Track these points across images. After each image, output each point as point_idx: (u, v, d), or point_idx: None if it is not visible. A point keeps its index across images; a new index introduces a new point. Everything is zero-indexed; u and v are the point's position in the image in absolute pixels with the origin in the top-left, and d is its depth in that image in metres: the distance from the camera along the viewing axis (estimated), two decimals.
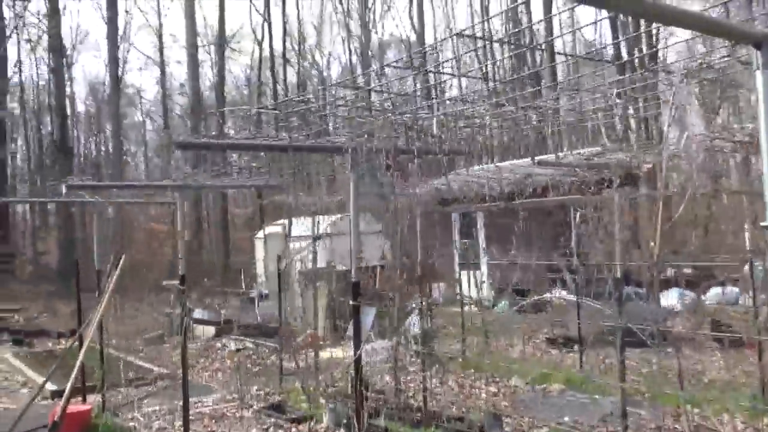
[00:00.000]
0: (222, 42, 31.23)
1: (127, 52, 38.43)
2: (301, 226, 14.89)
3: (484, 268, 15.68)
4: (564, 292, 13.10)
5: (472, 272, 16.17)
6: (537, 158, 5.98)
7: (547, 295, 13.78)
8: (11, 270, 25.02)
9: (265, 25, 32.18)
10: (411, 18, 34.88)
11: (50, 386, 7.64)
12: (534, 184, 8.03)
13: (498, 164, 7.78)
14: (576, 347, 9.35)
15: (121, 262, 6.05)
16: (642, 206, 10.36)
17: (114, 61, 28.87)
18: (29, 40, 31.67)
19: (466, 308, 10.84)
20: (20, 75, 33.62)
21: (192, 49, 28.89)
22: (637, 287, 11.11)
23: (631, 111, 6.96)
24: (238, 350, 10.91)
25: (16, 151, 36.64)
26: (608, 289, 9.62)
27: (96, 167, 34.04)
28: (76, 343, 6.83)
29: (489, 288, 15.42)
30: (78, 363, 5.86)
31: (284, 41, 33.77)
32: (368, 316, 10.06)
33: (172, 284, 16.33)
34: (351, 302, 5.01)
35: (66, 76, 31.85)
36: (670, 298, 11.01)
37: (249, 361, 10.20)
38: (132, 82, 64.31)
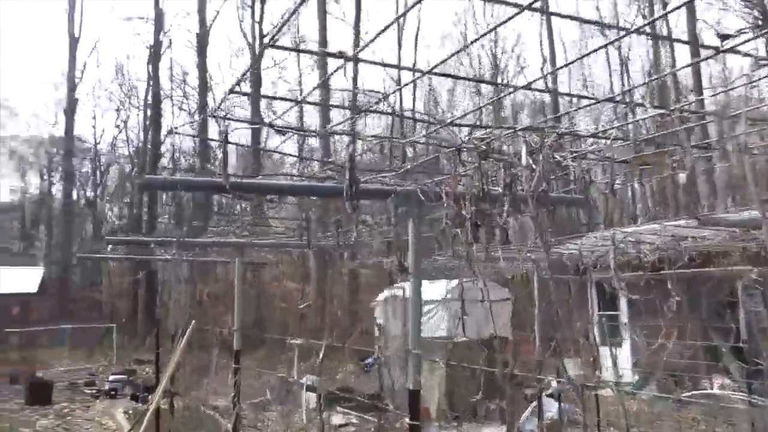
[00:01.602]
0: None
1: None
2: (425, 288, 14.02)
3: (626, 345, 13.84)
4: (728, 381, 11.02)
5: (611, 350, 14.31)
6: (701, 216, 4.72)
7: (706, 384, 11.69)
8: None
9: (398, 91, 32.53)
10: (545, 79, 33.76)
11: None
12: (692, 249, 6.61)
13: (646, 225, 6.52)
14: None
15: (189, 330, 5.53)
16: None
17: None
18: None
19: (604, 392, 9.31)
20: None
21: None
22: None
23: None
24: (340, 426, 10.03)
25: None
26: None
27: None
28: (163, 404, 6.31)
29: (632, 369, 13.56)
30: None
31: (414, 102, 33.95)
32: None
33: (296, 343, 16.03)
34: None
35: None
36: None
37: None
38: None
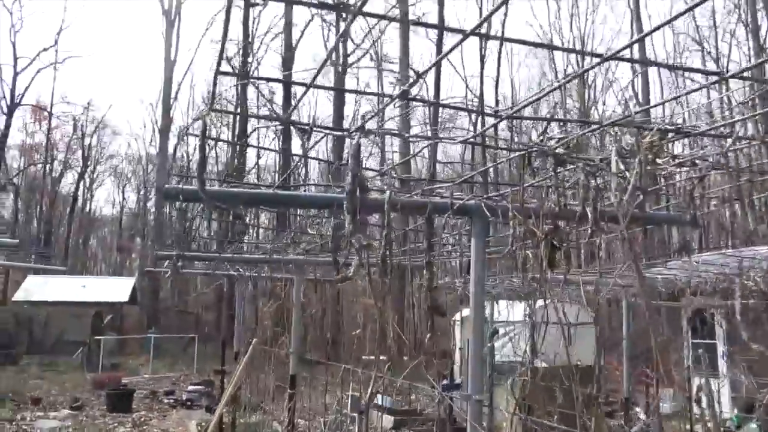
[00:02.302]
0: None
1: None
2: (506, 309, 13.51)
3: (724, 377, 12.71)
4: None
5: (708, 381, 13.22)
6: None
7: None
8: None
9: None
10: (635, 92, 32.34)
11: None
12: None
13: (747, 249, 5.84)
14: None
15: (251, 347, 5.38)
16: None
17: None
18: None
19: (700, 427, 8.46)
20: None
21: None
22: None
23: None
24: None
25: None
26: None
27: None
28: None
29: (732, 404, 12.45)
30: None
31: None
32: None
33: (370, 360, 15.80)
34: None
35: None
36: None
37: None
38: None
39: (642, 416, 11.76)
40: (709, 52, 30.96)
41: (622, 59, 2.82)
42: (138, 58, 74.57)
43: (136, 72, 79.66)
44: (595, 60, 2.41)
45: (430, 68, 2.43)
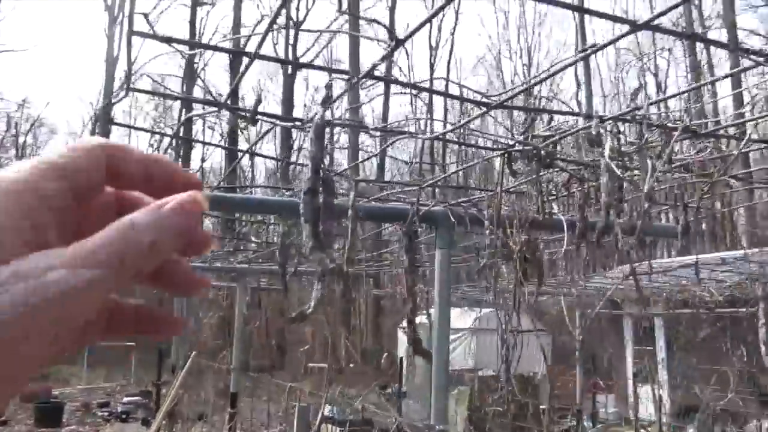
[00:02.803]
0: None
1: None
2: (459, 317, 13.47)
3: (664, 382, 12.98)
4: None
5: (648, 387, 13.50)
6: None
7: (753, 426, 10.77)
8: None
9: None
10: (579, 102, 33.09)
11: None
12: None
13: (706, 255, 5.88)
14: None
15: (189, 360, 5.08)
16: None
17: None
18: None
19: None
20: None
21: None
22: None
23: None
24: None
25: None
26: None
27: None
28: None
29: (670, 407, 12.71)
30: None
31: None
32: None
33: (318, 367, 15.45)
34: None
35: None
36: None
37: None
38: None
39: (586, 423, 11.88)
40: (649, 68, 32.02)
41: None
42: (77, 55, 71.97)
43: (76, 69, 76.90)
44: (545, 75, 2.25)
45: (405, 39, 2.11)
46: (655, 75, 31.36)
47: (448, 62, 33.34)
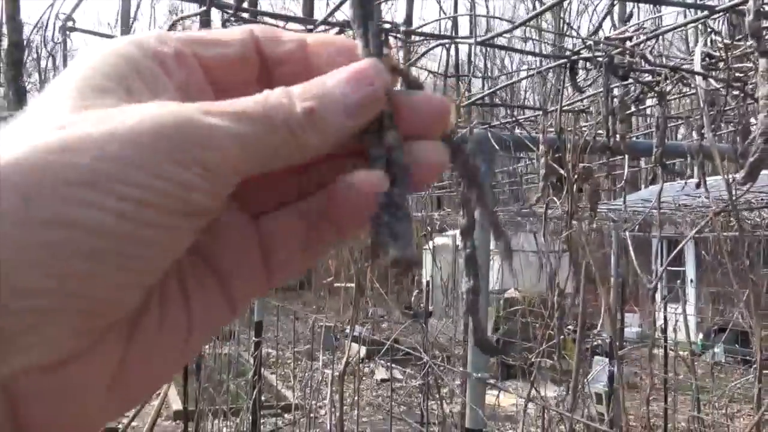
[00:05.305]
0: None
1: None
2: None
3: (690, 304, 12.94)
4: None
5: (676, 309, 13.49)
6: None
7: None
8: None
9: None
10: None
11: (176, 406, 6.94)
12: None
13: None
14: None
15: None
16: None
17: None
18: None
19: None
20: None
21: None
22: None
23: None
24: (383, 380, 9.57)
25: None
26: None
27: None
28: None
29: (696, 329, 12.72)
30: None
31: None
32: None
33: (343, 286, 15.63)
34: None
35: None
36: None
37: (395, 396, 8.79)
38: None
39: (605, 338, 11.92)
40: None
41: None
42: None
43: None
44: None
45: None
46: None
47: None
